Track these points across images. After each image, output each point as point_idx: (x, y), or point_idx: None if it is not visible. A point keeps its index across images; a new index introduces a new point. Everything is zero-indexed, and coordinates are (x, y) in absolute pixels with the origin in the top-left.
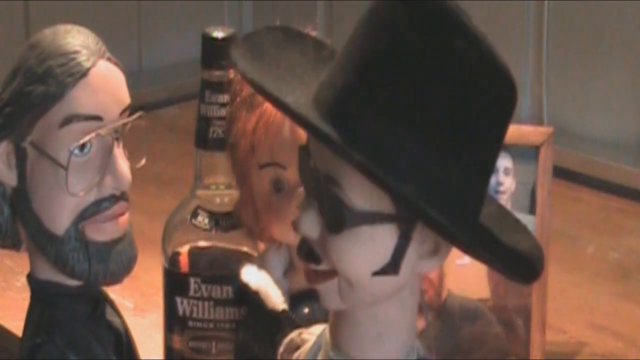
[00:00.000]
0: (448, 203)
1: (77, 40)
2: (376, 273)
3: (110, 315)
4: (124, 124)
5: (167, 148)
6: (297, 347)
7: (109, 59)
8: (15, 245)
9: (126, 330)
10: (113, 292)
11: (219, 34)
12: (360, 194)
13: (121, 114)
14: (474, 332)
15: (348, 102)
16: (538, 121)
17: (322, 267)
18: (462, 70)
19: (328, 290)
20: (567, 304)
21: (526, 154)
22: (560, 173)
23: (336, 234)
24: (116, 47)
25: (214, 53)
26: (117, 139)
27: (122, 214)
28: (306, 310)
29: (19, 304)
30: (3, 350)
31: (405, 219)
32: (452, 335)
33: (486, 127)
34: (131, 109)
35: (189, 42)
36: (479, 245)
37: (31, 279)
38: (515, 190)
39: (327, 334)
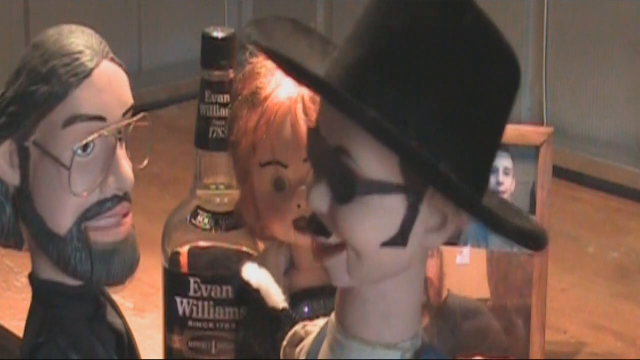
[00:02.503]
0: (454, 173)
1: (81, 40)
2: (385, 244)
3: (111, 316)
4: (127, 125)
5: (167, 148)
6: (301, 340)
7: (112, 60)
8: (17, 245)
9: (128, 331)
10: (113, 293)
11: (219, 34)
12: (370, 163)
13: (124, 114)
14: (475, 328)
15: (357, 74)
16: (538, 121)
17: (332, 240)
18: (470, 46)
19: (336, 266)
20: (567, 304)
21: (526, 154)
22: (560, 173)
23: (346, 203)
24: (116, 47)
25: (214, 53)
26: (120, 139)
27: (125, 215)
28: (306, 309)
29: (19, 304)
30: (3, 350)
31: (414, 191)
32: (453, 333)
33: (492, 103)
34: (133, 110)
35: (189, 42)
36: (488, 211)
37: (33, 278)
38: (515, 190)
39: (334, 318)
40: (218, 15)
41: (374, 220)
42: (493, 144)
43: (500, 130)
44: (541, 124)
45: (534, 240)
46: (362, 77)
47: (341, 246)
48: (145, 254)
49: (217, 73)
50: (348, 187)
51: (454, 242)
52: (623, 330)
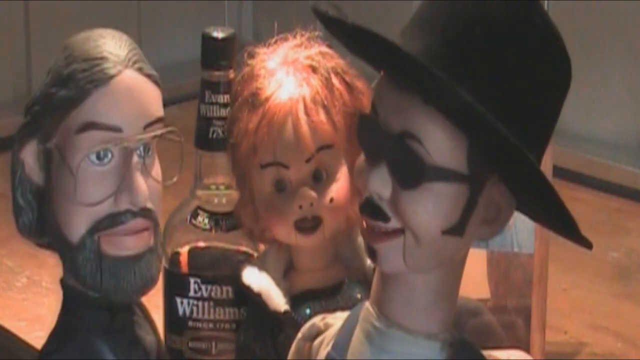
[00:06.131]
0: None
1: (107, 46)
2: (445, 232)
3: (142, 331)
4: (153, 137)
5: (168, 148)
6: (319, 333)
7: (139, 70)
8: (49, 245)
9: (159, 350)
10: None
11: (219, 34)
12: (439, 149)
13: (146, 127)
14: (478, 326)
15: (430, 59)
16: None
17: (391, 225)
18: (536, 43)
19: (390, 250)
20: (567, 304)
21: None
22: (560, 173)
23: (411, 189)
24: None
25: (214, 53)
26: (140, 153)
27: (140, 231)
28: (308, 310)
29: (19, 304)
30: (3, 350)
31: (476, 181)
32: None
33: (552, 100)
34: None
35: (189, 42)
36: (559, 198)
37: (62, 282)
38: None
39: (369, 306)
40: (218, 15)
41: (438, 207)
42: (548, 139)
43: (554, 126)
44: None
45: (579, 233)
46: (437, 63)
47: (398, 231)
48: None
49: (217, 73)
50: (416, 173)
51: None
52: (623, 330)
